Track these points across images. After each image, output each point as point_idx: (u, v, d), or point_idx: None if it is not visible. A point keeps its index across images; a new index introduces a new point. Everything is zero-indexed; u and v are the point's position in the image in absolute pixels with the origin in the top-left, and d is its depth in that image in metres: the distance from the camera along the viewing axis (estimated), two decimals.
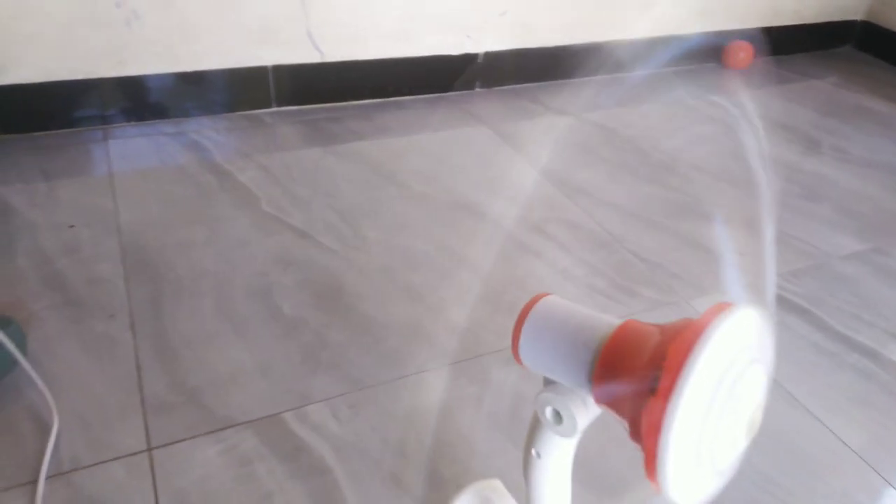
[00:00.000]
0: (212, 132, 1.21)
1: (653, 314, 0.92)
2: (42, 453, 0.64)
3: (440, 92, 1.46)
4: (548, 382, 0.40)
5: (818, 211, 1.19)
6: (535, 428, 0.43)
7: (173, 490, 0.63)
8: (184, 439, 0.68)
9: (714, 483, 0.34)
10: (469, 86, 1.48)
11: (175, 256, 0.91)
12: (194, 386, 0.73)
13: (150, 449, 0.66)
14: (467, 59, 1.44)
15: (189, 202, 1.03)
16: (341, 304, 0.86)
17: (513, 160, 1.24)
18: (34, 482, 0.62)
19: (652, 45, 1.65)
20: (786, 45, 1.85)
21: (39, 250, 0.90)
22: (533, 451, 0.43)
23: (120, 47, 1.13)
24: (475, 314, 0.87)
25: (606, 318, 0.37)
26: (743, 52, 1.73)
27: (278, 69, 1.26)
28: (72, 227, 0.94)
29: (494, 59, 1.47)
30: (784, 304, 0.96)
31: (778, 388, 0.80)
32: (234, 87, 1.24)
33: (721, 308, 0.32)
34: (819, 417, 0.77)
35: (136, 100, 1.19)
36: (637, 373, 0.33)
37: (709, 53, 1.74)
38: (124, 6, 1.09)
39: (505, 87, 1.53)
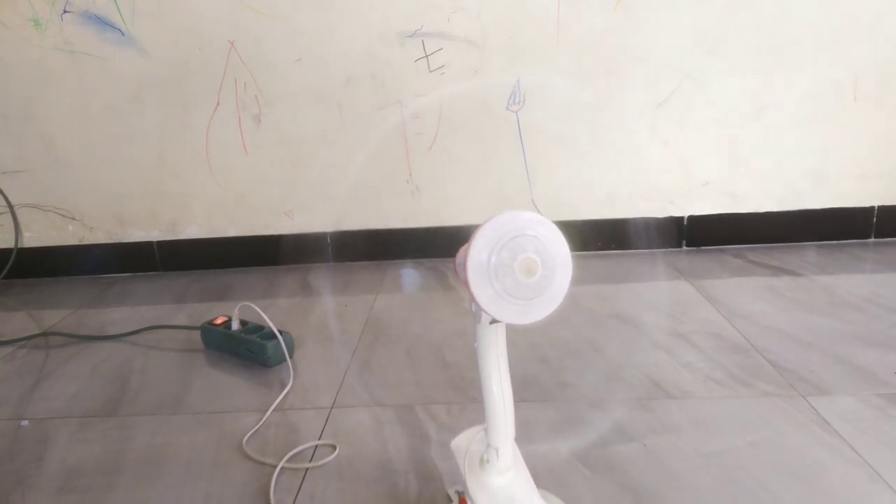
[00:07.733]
0: (449, 264, 1.68)
1: (761, 403, 0.98)
2: (275, 398, 1.06)
3: (643, 248, 1.71)
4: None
5: None
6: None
7: (336, 429, 0.98)
8: (354, 406, 1.03)
9: (519, 307, 0.57)
10: (676, 244, 1.70)
11: (395, 324, 1.33)
12: (373, 384, 1.09)
13: (332, 407, 1.03)
14: (672, 221, 1.68)
15: (417, 299, 1.46)
16: None
17: (687, 292, 1.41)
18: (265, 410, 1.03)
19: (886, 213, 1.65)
20: None
21: (324, 313, 1.42)
22: (475, 345, 0.68)
23: (406, 209, 1.71)
24: (586, 388, 1.07)
25: None
26: None
27: None
28: (346, 305, 1.45)
29: (698, 222, 1.68)
30: None
31: None
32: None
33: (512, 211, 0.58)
34: None
35: (417, 244, 1.74)
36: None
37: None
38: (411, 182, 1.68)
39: (711, 248, 1.70)
